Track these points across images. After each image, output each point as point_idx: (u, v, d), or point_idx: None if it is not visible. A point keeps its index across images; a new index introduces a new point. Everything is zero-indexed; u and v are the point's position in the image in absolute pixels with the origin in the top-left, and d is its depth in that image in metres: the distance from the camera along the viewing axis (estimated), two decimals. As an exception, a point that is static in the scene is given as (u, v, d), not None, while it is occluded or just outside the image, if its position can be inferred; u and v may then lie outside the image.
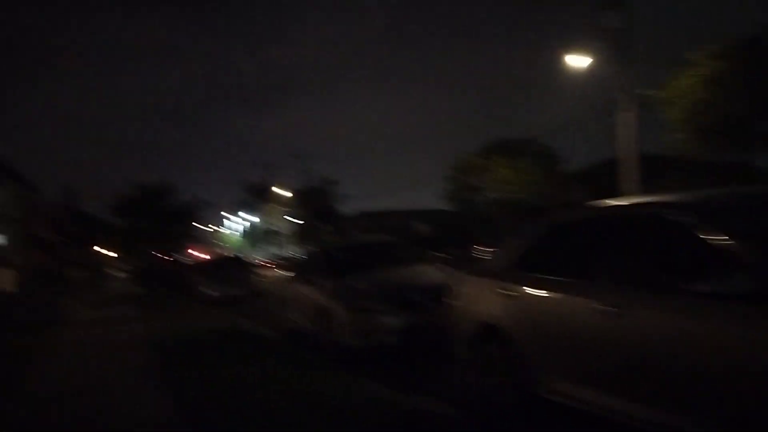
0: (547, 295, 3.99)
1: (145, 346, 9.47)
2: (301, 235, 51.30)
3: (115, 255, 57.03)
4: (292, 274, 10.06)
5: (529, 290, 4.16)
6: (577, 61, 19.17)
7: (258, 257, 59.67)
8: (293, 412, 4.70)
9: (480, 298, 4.71)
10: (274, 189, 53.83)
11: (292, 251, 58.11)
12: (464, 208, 39.18)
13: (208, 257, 30.42)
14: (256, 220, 64.49)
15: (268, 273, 31.29)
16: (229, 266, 20.48)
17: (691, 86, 17.94)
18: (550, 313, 3.92)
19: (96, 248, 55.97)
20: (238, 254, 37.37)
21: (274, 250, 64.92)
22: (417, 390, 5.31)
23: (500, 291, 4.40)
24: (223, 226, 73.94)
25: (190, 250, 46.49)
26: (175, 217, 36.95)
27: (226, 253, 38.11)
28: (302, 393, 5.28)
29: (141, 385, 6.57)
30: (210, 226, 70.85)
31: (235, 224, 70.55)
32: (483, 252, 27.08)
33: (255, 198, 60.46)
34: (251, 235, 67.07)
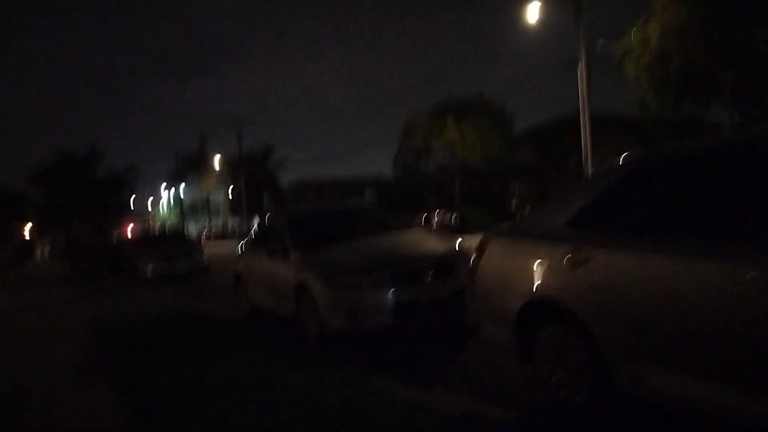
0: (644, 260, 3.00)
1: (86, 335, 8.13)
2: (242, 205, 49.12)
3: (41, 232, 53.28)
4: (249, 247, 8.85)
5: (612, 255, 3.18)
6: (535, 15, 18.55)
7: (200, 230, 57.20)
8: (287, 422, 3.64)
9: (526, 267, 3.71)
10: (209, 157, 51.25)
11: (233, 223, 55.98)
12: (411, 174, 38.24)
13: (147, 232, 28.45)
14: (192, 191, 61.53)
15: (215, 246, 29.64)
16: (173, 241, 19.02)
17: (651, 36, 17.45)
18: (649, 283, 2.93)
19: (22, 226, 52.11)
20: (179, 228, 35.32)
21: (215, 221, 62.44)
22: (444, 387, 4.29)
23: (562, 256, 3.42)
24: (160, 198, 70.43)
25: (128, 225, 43.88)
26: (107, 189, 34.25)
27: (166, 228, 36.00)
28: (295, 393, 4.21)
29: (87, 384, 5.39)
30: (145, 198, 67.37)
31: (171, 196, 67.23)
32: (442, 217, 26.36)
33: (189, 168, 57.51)
34: (189, 207, 64.04)
